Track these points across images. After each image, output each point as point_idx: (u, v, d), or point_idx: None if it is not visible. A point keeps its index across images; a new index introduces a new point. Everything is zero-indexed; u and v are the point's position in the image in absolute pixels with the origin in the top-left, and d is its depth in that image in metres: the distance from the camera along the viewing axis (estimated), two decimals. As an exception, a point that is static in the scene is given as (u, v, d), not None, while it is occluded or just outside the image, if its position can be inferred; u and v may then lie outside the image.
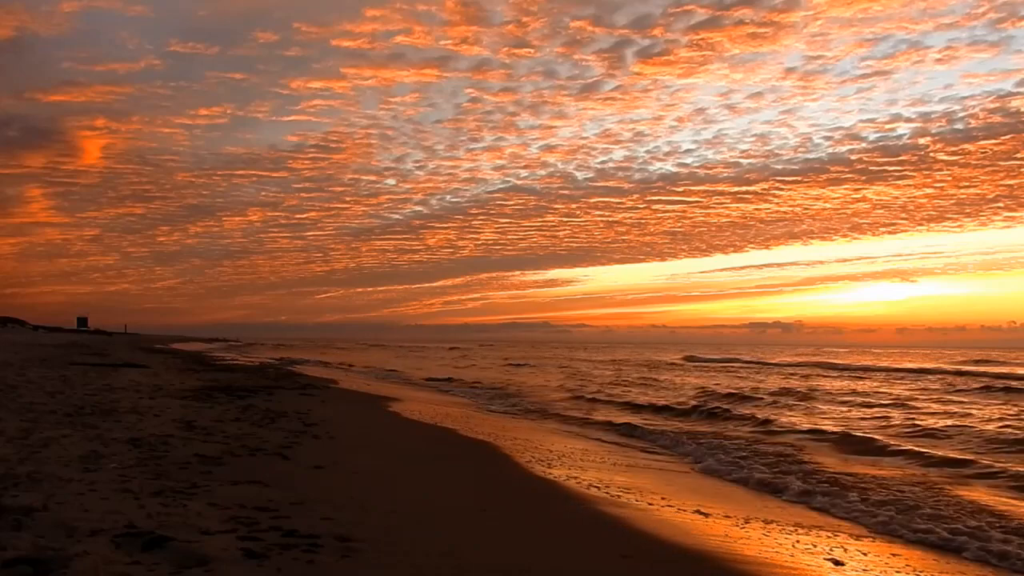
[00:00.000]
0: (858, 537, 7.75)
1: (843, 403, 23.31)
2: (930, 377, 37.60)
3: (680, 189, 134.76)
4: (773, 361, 60.50)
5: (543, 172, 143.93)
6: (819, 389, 28.84)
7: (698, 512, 8.15)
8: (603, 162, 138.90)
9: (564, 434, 15.54)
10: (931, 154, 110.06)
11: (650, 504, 8.36)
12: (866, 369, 46.30)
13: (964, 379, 34.99)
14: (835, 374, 41.76)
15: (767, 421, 17.85)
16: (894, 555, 7.08)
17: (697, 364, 56.86)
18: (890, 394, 26.57)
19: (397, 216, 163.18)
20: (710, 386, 29.81)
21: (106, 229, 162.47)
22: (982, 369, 43.73)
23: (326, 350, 79.32)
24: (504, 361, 56.83)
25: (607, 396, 24.98)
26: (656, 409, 21.07)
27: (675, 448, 14.01)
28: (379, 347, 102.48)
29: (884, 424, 17.78)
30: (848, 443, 14.49)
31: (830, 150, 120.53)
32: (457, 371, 40.58)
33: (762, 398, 24.40)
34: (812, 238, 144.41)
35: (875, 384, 32.52)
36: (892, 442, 14.45)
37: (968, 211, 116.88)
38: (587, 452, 12.66)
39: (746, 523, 7.81)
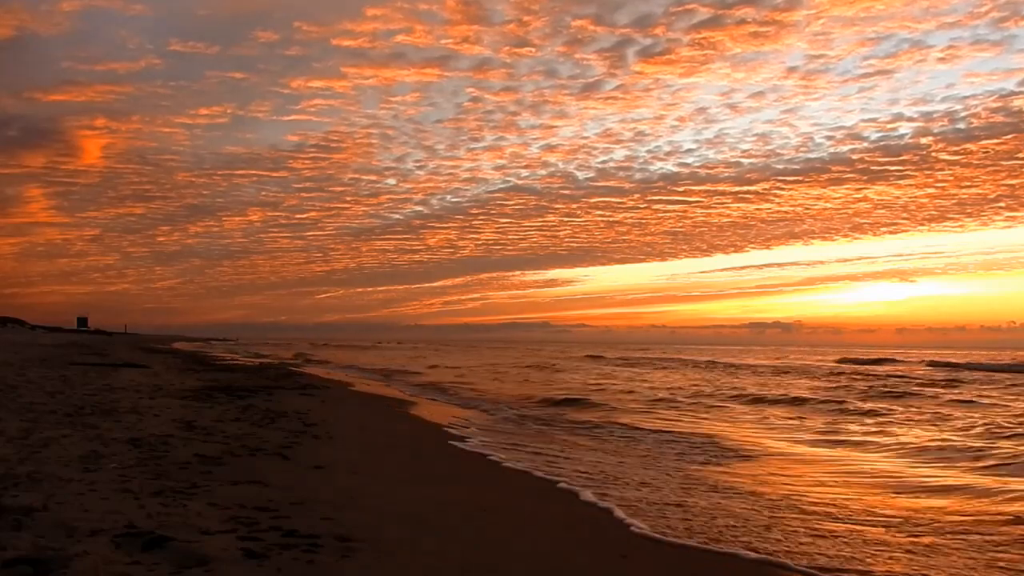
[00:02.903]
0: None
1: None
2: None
3: (681, 189, 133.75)
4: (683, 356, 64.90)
5: (544, 172, 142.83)
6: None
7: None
8: (604, 162, 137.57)
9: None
10: (933, 154, 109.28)
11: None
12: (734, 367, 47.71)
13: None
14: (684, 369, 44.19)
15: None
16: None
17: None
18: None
19: (397, 216, 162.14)
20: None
21: (106, 229, 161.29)
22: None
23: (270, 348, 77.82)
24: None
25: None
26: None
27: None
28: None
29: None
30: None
31: (831, 150, 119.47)
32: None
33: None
34: (813, 238, 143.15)
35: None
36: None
37: (969, 211, 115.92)
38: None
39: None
